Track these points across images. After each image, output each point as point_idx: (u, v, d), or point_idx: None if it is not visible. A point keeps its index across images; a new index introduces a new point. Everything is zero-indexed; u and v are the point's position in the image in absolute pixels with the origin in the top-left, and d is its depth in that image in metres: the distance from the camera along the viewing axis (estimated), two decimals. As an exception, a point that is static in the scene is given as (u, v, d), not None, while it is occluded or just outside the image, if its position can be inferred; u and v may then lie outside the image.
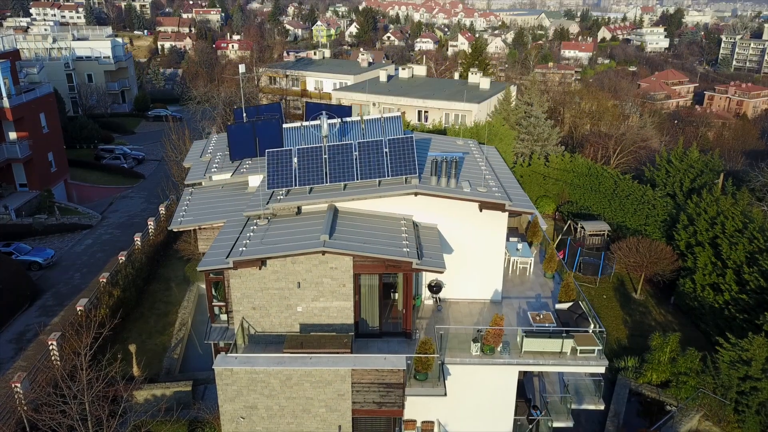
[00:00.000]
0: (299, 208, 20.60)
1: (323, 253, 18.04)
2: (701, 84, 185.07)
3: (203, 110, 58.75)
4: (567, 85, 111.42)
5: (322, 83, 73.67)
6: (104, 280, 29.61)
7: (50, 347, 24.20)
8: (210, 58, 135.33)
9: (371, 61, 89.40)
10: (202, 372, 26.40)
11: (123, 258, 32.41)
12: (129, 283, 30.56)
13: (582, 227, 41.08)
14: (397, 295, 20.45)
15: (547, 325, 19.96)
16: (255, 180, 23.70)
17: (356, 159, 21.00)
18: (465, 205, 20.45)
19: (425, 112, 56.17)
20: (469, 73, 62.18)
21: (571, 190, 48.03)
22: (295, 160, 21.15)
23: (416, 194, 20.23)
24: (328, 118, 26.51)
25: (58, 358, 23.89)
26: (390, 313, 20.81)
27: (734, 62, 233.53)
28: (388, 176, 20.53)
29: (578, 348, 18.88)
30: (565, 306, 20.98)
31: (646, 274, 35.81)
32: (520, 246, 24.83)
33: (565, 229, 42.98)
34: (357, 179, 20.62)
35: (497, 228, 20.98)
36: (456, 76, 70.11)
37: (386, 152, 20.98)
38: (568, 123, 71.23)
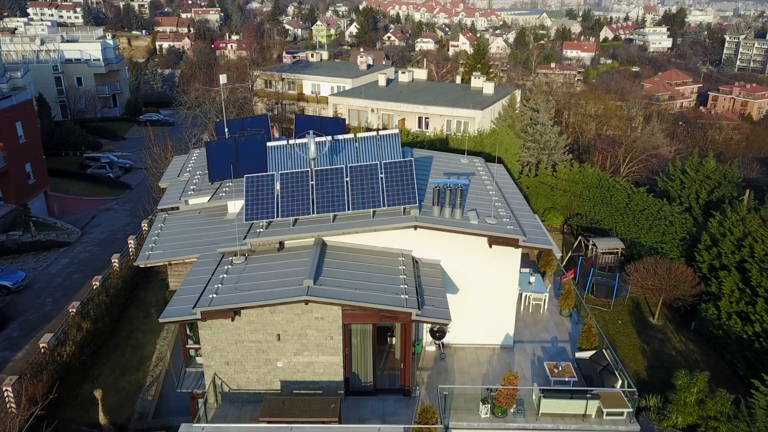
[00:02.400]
0: (281, 243, 17.94)
1: (306, 302, 15.39)
2: (705, 84, 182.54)
3: (194, 117, 56.06)
4: (571, 85, 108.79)
5: (320, 87, 70.93)
6: (73, 311, 26.94)
7: (5, 394, 21.54)
8: (208, 59, 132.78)
9: (371, 63, 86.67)
10: (178, 417, 23.69)
11: (97, 283, 29.72)
12: (102, 313, 27.88)
13: (594, 244, 38.37)
14: (394, 339, 17.83)
15: (567, 379, 17.30)
16: (235, 205, 21.07)
17: (347, 185, 18.34)
18: (472, 240, 17.81)
19: (426, 118, 53.46)
20: (472, 77, 59.46)
21: (580, 202, 45.31)
22: (277, 186, 18.48)
23: (416, 228, 17.58)
24: (318, 135, 23.85)
25: (14, 407, 21.25)
26: (386, 362, 18.17)
27: (738, 62, 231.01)
28: (384, 206, 17.88)
29: (605, 410, 16.22)
30: (586, 355, 18.33)
31: (664, 298, 33.14)
32: (532, 279, 22.16)
33: (575, 245, 40.28)
34: (348, 209, 17.97)
35: (509, 265, 18.33)
36: (458, 79, 67.42)
37: (382, 178, 18.33)
38: (573, 127, 68.59)
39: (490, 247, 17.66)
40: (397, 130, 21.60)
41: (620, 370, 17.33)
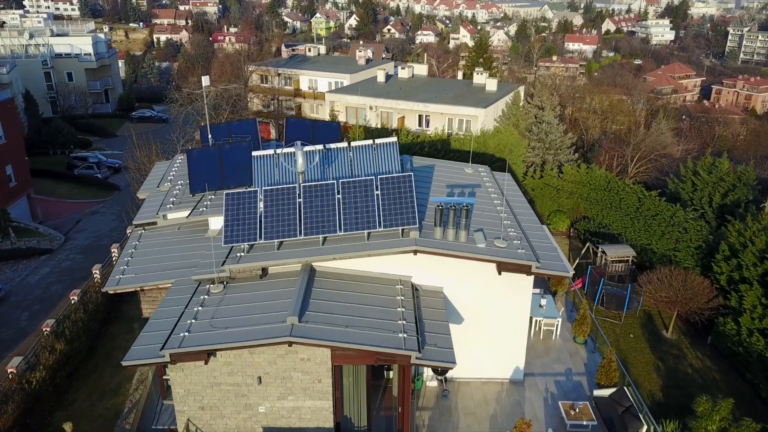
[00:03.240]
0: (265, 269, 16.00)
1: (289, 344, 13.46)
2: (708, 78, 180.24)
3: (186, 114, 53.92)
4: (574, 79, 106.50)
5: (317, 82, 68.83)
6: (47, 330, 24.99)
7: (-35, 428, 19.66)
8: (206, 52, 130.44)
9: (370, 56, 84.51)
10: (158, 449, 21.84)
11: (75, 298, 27.76)
12: (79, 332, 25.90)
13: (603, 252, 36.39)
14: (392, 372, 15.94)
15: (585, 422, 15.41)
16: (217, 222, 19.10)
17: (339, 203, 16.38)
18: (480, 265, 15.87)
19: (426, 117, 51.38)
20: (474, 73, 57.31)
21: (587, 205, 43.32)
22: (261, 205, 16.52)
23: (416, 252, 15.63)
24: (308, 144, 21.85)
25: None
26: (382, 400, 16.27)
27: (741, 55, 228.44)
28: (380, 227, 15.92)
29: (629, 461, 14.35)
30: (606, 393, 16.43)
31: (679, 311, 31.21)
32: (543, 302, 20.23)
33: (583, 252, 38.31)
34: (339, 231, 16.01)
35: (520, 293, 16.40)
36: (459, 75, 65.28)
37: (378, 195, 16.36)
38: (577, 122, 66.49)
39: (500, 274, 15.72)
40: (394, 139, 19.61)
41: (645, 413, 15.43)
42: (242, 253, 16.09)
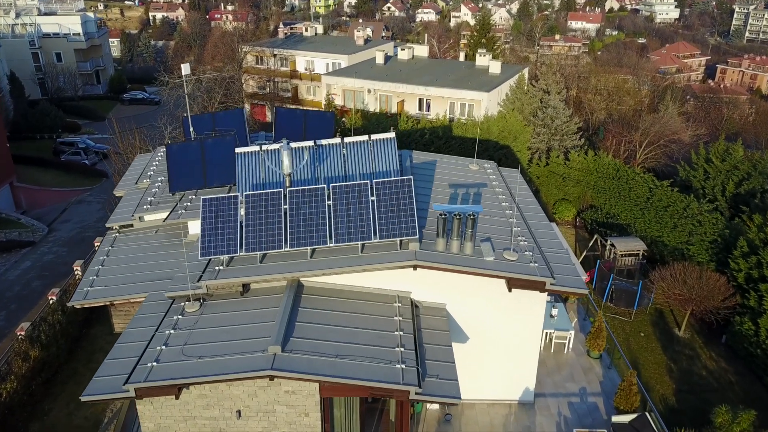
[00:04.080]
0: (246, 285, 14.29)
1: (271, 378, 11.80)
2: (713, 57, 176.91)
3: (177, 98, 51.83)
4: (577, 58, 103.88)
5: (314, 63, 66.56)
6: (21, 334, 23.39)
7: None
8: (203, 30, 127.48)
9: (369, 35, 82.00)
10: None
11: (53, 298, 26.12)
12: (56, 335, 24.33)
13: (612, 245, 34.66)
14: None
15: (603, 455, 13.86)
16: (197, 225, 17.33)
17: (330, 210, 14.62)
18: (487, 280, 14.17)
19: (427, 101, 49.29)
20: (477, 55, 55.04)
21: (594, 193, 41.55)
22: (241, 212, 14.75)
23: (416, 267, 13.91)
24: (299, 136, 20.07)
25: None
26: (378, 425, 14.68)
27: (747, 34, 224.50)
28: (376, 238, 14.19)
29: (654, 503, 12.81)
30: (625, 419, 14.85)
31: (693, 310, 29.61)
32: (554, 311, 18.57)
33: (590, 244, 36.61)
34: (329, 242, 14.28)
35: (532, 310, 14.72)
36: (461, 56, 62.96)
37: (373, 201, 14.60)
38: (582, 104, 64.35)
39: (510, 291, 14.02)
40: (392, 134, 17.78)
41: (671, 445, 13.86)
42: (221, 267, 14.37)
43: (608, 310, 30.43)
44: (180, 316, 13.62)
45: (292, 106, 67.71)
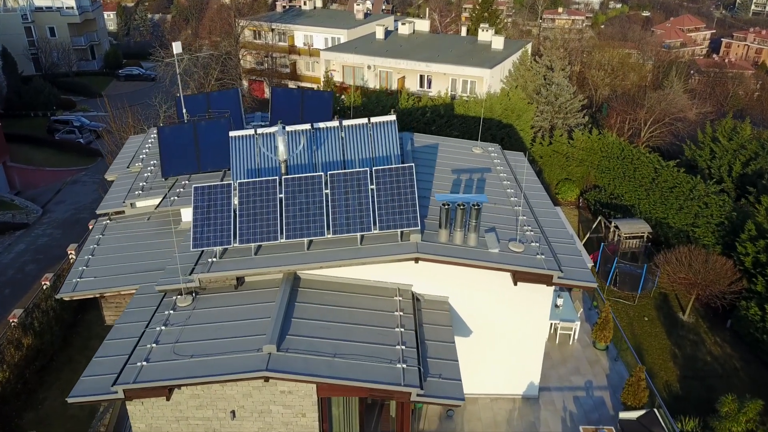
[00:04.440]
0: (240, 278, 13.70)
1: (266, 379, 11.27)
2: (718, 30, 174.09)
3: (173, 74, 50.67)
4: (580, 32, 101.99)
5: (312, 38, 65.17)
6: (14, 321, 22.93)
7: None
8: (201, 2, 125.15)
9: (369, 9, 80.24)
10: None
11: (47, 283, 25.62)
12: (50, 322, 23.89)
13: (616, 227, 34.02)
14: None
15: (610, 453, 13.42)
16: (189, 213, 16.71)
17: (327, 199, 13.96)
18: (492, 273, 13.58)
19: (428, 77, 48.21)
20: (479, 30, 53.74)
21: (598, 173, 40.80)
22: (235, 201, 14.09)
23: (417, 261, 13.30)
24: (296, 116, 19.35)
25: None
26: (378, 424, 14.21)
27: (753, 7, 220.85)
28: (375, 229, 13.55)
29: (664, 505, 12.39)
30: (633, 415, 14.38)
31: (698, 294, 29.09)
32: (560, 301, 18.01)
33: (594, 226, 35.99)
34: (327, 232, 13.65)
35: (538, 304, 14.15)
36: (463, 31, 61.58)
37: (373, 190, 13.93)
38: (586, 79, 63.13)
39: (515, 284, 13.43)
40: (393, 117, 17.02)
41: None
42: (214, 259, 13.76)
43: (612, 294, 29.96)
44: (171, 311, 13.05)
45: (290, 83, 66.58)
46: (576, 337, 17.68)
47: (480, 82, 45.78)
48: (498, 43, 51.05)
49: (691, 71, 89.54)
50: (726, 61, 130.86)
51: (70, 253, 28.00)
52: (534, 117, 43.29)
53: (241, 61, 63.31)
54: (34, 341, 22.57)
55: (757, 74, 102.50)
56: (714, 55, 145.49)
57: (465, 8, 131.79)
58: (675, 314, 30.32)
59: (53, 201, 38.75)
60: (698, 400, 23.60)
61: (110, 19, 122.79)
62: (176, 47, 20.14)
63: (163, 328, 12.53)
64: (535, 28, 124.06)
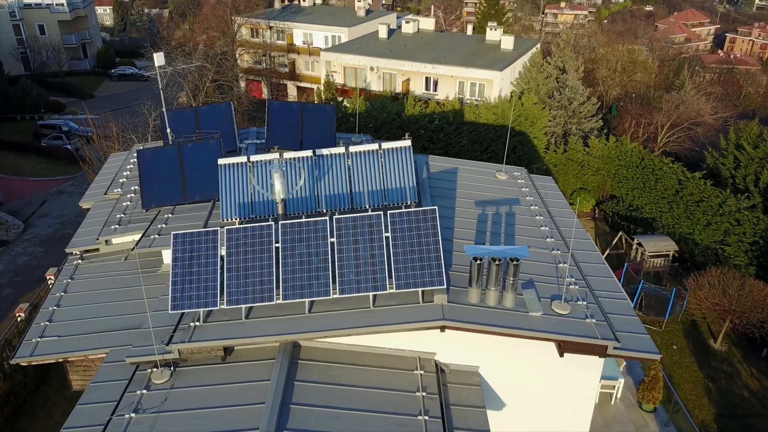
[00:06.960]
0: (228, 348, 11.34)
1: (259, 498, 8.95)
2: (722, 25, 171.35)
3: (168, 74, 48.12)
4: (583, 26, 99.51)
5: (312, 36, 62.66)
6: (-17, 362, 20.62)
7: None
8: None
9: (369, 5, 77.67)
10: None
11: (22, 315, 23.24)
12: (23, 361, 21.52)
13: (639, 244, 31.67)
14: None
15: None
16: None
17: (333, 250, 11.60)
18: (533, 342, 11.23)
19: (434, 80, 45.75)
20: (487, 29, 51.25)
21: (615, 183, 38.52)
22: (222, 251, 11.72)
23: (443, 329, 10.94)
24: (295, 134, 17.06)
25: None
26: None
27: (757, 1, 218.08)
28: (391, 286, 11.21)
29: None
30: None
31: (732, 321, 26.79)
32: (599, 353, 15.63)
33: (614, 242, 33.64)
34: (333, 291, 11.30)
35: (586, 377, 11.81)
36: (469, 29, 59.08)
37: (387, 238, 11.57)
38: (596, 79, 60.66)
39: (562, 356, 11.08)
40: (408, 143, 14.65)
41: None
42: (197, 323, 11.40)
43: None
44: (145, 391, 10.70)
45: (289, 83, 64.11)
46: (618, 395, 15.35)
47: (490, 85, 43.32)
48: (507, 42, 48.56)
49: (698, 68, 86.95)
50: (731, 56, 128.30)
51: (49, 278, 25.59)
52: (547, 123, 40.93)
53: (238, 60, 60.80)
54: (3, 385, 20.24)
55: (763, 70, 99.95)
56: (719, 51, 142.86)
57: (466, 2, 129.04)
58: (706, 342, 28.03)
59: (37, 214, 36.34)
60: (738, 444, 21.43)
61: (107, 14, 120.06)
62: (158, 59, 17.73)
63: (133, 415, 10.17)
64: (537, 24, 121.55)
